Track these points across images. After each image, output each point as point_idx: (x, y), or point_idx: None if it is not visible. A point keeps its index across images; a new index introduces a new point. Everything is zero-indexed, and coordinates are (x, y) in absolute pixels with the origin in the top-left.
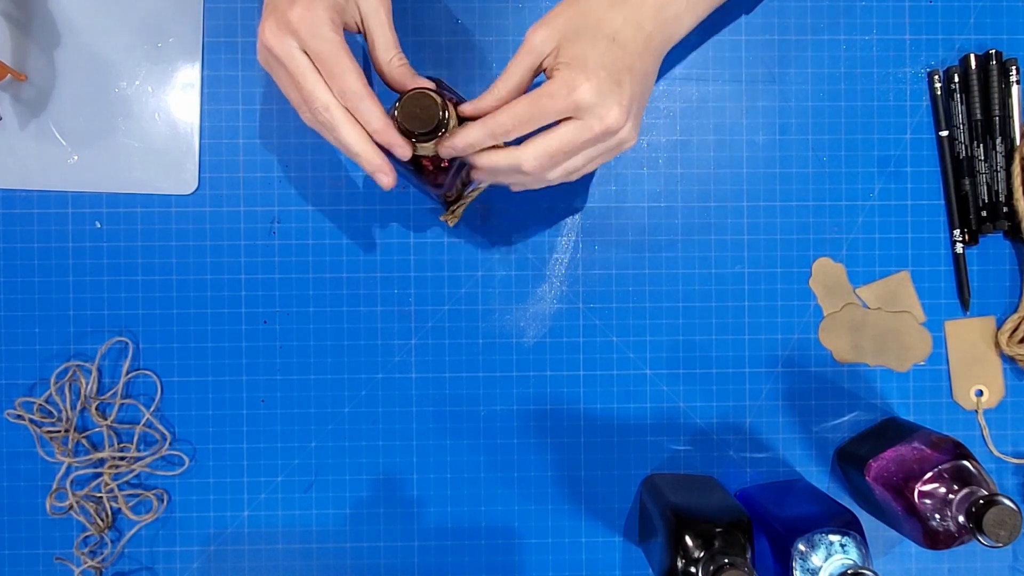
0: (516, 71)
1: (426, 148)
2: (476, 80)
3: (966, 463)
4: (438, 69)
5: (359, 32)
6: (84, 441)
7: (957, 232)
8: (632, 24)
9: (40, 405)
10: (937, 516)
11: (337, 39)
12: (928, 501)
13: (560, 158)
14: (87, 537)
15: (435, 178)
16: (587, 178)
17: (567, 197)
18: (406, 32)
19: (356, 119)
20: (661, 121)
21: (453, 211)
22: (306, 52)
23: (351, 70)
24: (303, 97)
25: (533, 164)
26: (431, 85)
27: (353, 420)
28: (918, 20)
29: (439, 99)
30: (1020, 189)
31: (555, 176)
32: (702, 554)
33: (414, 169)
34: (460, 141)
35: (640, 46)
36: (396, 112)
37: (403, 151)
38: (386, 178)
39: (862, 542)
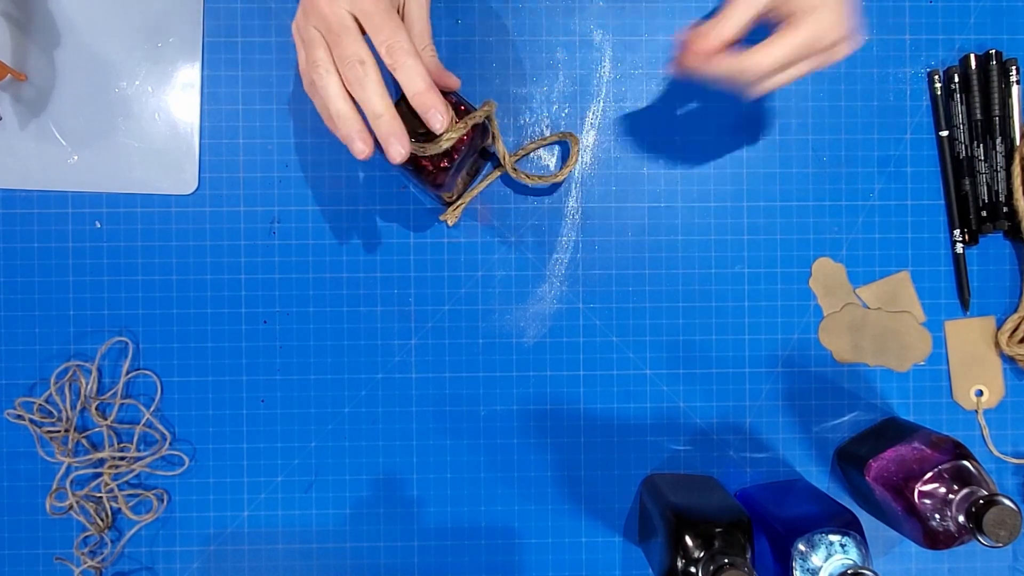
0: (745, 14)
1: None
2: (476, 80)
3: (966, 463)
4: (438, 69)
5: (396, 10)
6: (84, 441)
7: (957, 232)
8: None
9: (40, 405)
10: (937, 516)
11: (387, 2)
12: (928, 501)
13: (786, 66)
14: (87, 537)
15: (435, 178)
16: (587, 178)
17: (567, 197)
18: None
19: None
20: (661, 121)
21: (453, 211)
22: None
23: (402, 28)
24: (338, 54)
25: (767, 63)
26: (456, 83)
27: (353, 420)
28: (918, 20)
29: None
30: (1020, 189)
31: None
32: (702, 554)
33: (414, 169)
34: (766, 58)
35: None
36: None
37: (443, 114)
38: (400, 147)
39: (862, 542)
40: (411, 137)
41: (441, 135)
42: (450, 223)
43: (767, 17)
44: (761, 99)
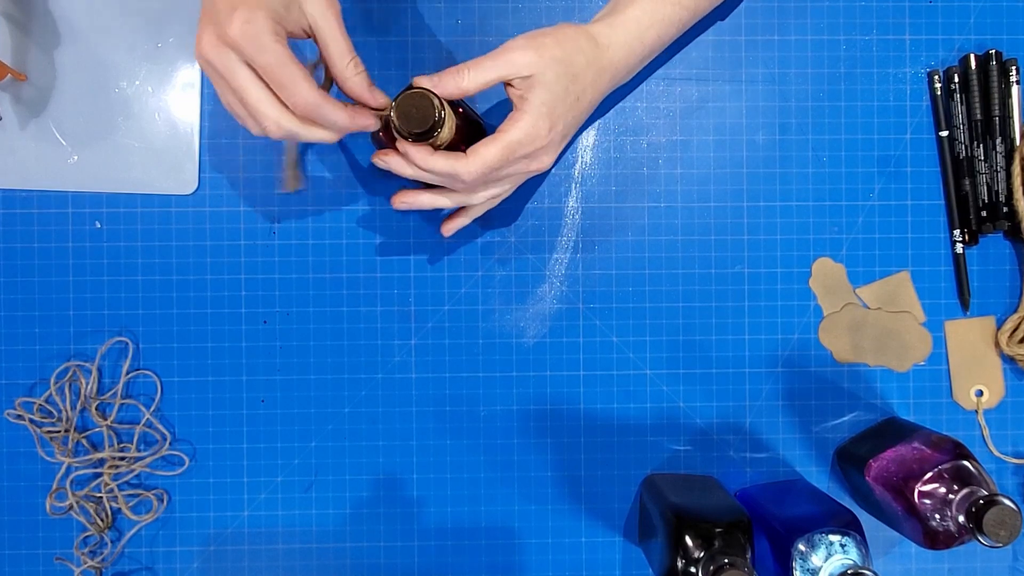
0: (489, 74)
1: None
2: None
3: (966, 463)
4: (438, 69)
5: (307, 38)
6: (84, 441)
7: (957, 232)
8: (593, 88)
9: (40, 405)
10: (937, 516)
11: (281, 50)
12: (928, 501)
13: (492, 176)
14: (87, 537)
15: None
16: (587, 178)
17: (567, 197)
18: (405, 32)
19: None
20: (661, 121)
21: (292, 175)
22: (248, 65)
23: (302, 79)
24: (249, 112)
25: (477, 188)
26: (384, 102)
27: (353, 420)
28: (918, 20)
29: (435, 99)
30: (1020, 189)
31: (478, 196)
32: (702, 554)
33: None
34: (421, 160)
35: (589, 108)
36: (392, 112)
37: (373, 123)
38: (368, 119)
39: (862, 542)
40: (406, 137)
41: (436, 136)
42: (293, 189)
43: (507, 90)
44: (761, 99)
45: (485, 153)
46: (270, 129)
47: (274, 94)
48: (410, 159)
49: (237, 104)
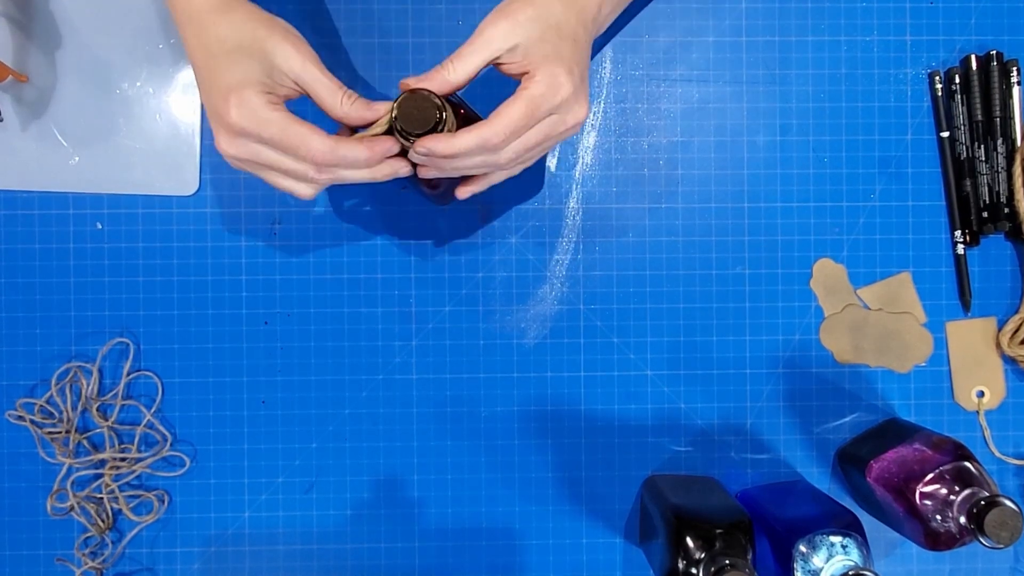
0: (474, 59)
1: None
2: (477, 82)
3: (967, 464)
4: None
5: (299, 95)
6: (85, 442)
7: (958, 233)
8: (583, 26)
9: (41, 406)
10: (938, 517)
11: (280, 116)
12: (929, 502)
13: (535, 150)
14: (88, 538)
15: (429, 181)
16: (587, 178)
17: (567, 197)
18: (406, 33)
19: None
20: (661, 122)
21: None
22: (264, 143)
23: (307, 135)
24: (295, 178)
25: (509, 156)
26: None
27: (354, 421)
28: (919, 21)
29: (437, 100)
30: (1021, 190)
31: (516, 167)
32: (703, 555)
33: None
34: (445, 147)
35: (588, 46)
36: (394, 113)
37: (403, 168)
38: (385, 144)
39: (863, 543)
40: (408, 138)
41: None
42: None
43: (497, 65)
44: (761, 100)
45: (508, 112)
46: (316, 178)
47: None
48: (435, 154)
49: (276, 178)
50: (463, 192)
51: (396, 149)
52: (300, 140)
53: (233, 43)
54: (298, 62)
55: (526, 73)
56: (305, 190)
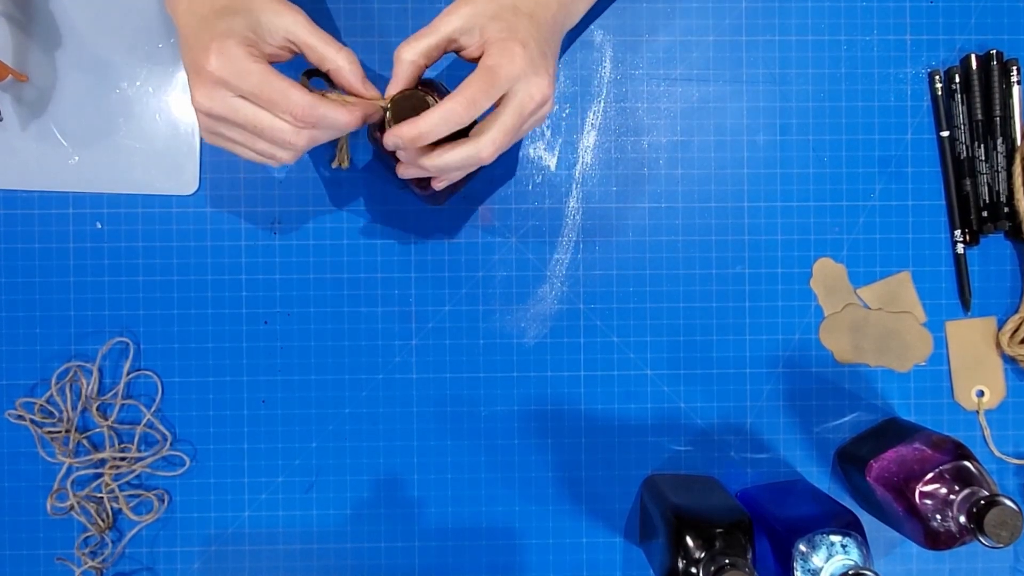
0: (429, 39)
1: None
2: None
3: (967, 464)
4: (438, 70)
5: (287, 57)
6: (85, 442)
7: (958, 232)
8: (543, 6)
9: (41, 406)
10: (938, 517)
11: (262, 67)
12: (929, 502)
13: (512, 137)
14: (88, 538)
15: (419, 180)
16: (587, 178)
17: (567, 197)
18: (406, 33)
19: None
20: (661, 121)
21: (343, 153)
22: (243, 97)
23: (289, 87)
24: (266, 138)
25: (491, 150)
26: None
27: (354, 420)
28: (919, 20)
29: (431, 98)
30: (1021, 190)
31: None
32: (703, 555)
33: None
34: (409, 130)
35: (551, 25)
36: (388, 112)
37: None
38: (367, 110)
39: (863, 543)
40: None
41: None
42: (344, 165)
43: (458, 51)
44: (761, 99)
45: (466, 85)
46: (294, 142)
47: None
48: (402, 137)
49: (252, 142)
50: (438, 183)
51: (375, 118)
52: (280, 94)
53: (223, 3)
54: (290, 17)
55: (483, 53)
56: (281, 154)
